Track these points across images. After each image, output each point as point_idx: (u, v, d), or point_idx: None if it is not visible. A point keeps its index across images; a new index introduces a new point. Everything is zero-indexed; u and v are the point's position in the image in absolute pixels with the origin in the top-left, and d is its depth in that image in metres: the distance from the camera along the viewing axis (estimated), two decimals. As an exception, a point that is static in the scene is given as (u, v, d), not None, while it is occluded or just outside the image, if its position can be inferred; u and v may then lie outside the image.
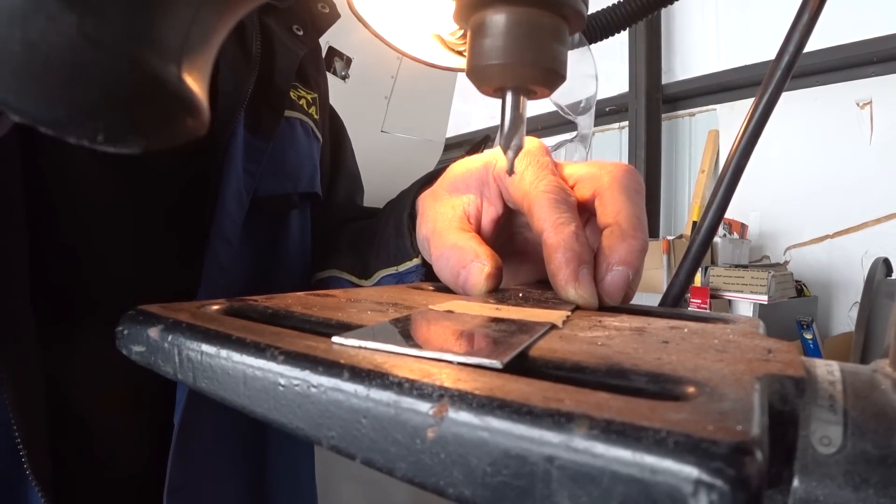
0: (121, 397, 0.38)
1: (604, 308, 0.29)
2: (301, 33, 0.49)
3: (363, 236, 0.45)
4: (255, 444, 0.44)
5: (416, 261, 0.39)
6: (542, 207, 0.31)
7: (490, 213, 0.36)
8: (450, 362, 0.16)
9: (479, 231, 0.36)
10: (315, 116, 0.50)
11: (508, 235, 0.38)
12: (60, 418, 0.34)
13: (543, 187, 0.32)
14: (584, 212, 0.33)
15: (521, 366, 0.17)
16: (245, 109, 0.42)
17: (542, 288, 0.33)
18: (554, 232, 0.30)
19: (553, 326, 0.22)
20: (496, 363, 0.16)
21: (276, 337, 0.18)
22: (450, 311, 0.24)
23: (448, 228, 0.35)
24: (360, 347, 0.17)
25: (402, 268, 0.40)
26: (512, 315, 0.24)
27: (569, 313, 0.25)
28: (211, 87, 0.40)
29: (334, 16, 0.52)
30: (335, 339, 0.18)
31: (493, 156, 0.36)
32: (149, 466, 0.38)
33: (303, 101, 0.49)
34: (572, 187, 0.34)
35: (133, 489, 0.38)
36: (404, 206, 0.40)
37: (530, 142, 0.34)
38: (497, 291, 0.32)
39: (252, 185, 0.42)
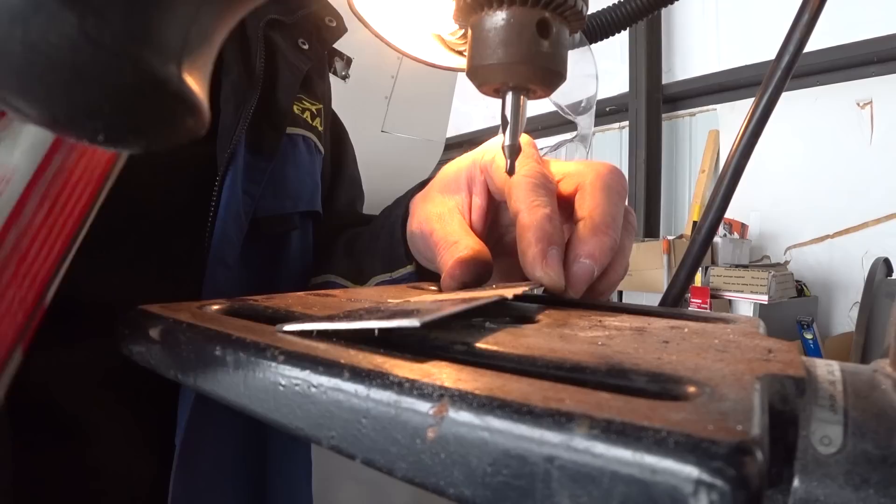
0: (115, 407, 0.37)
1: (604, 307, 0.29)
2: (306, 47, 0.48)
3: (359, 242, 0.45)
4: (256, 462, 0.43)
5: (409, 267, 0.39)
6: (519, 190, 0.32)
7: (478, 207, 0.36)
8: (371, 329, 0.17)
9: (470, 226, 0.36)
10: (318, 128, 0.50)
11: (498, 236, 0.39)
12: (49, 426, 0.34)
13: (524, 172, 0.32)
14: (568, 207, 0.33)
15: (522, 367, 0.17)
16: (246, 129, 0.41)
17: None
18: (528, 213, 0.30)
19: (502, 299, 0.22)
20: (415, 322, 0.17)
21: (275, 337, 0.18)
22: (406, 301, 0.25)
23: (440, 222, 0.35)
24: (299, 332, 0.19)
25: (396, 274, 0.40)
26: (464, 296, 0.24)
27: (525, 288, 0.26)
28: (210, 104, 0.39)
29: (341, 29, 0.52)
30: (278, 326, 0.19)
31: (482, 151, 0.36)
32: (152, 480, 0.37)
33: (306, 114, 0.48)
34: (559, 182, 0.34)
35: (135, 502, 0.38)
36: (398, 212, 0.40)
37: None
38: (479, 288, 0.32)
39: (251, 207, 0.41)
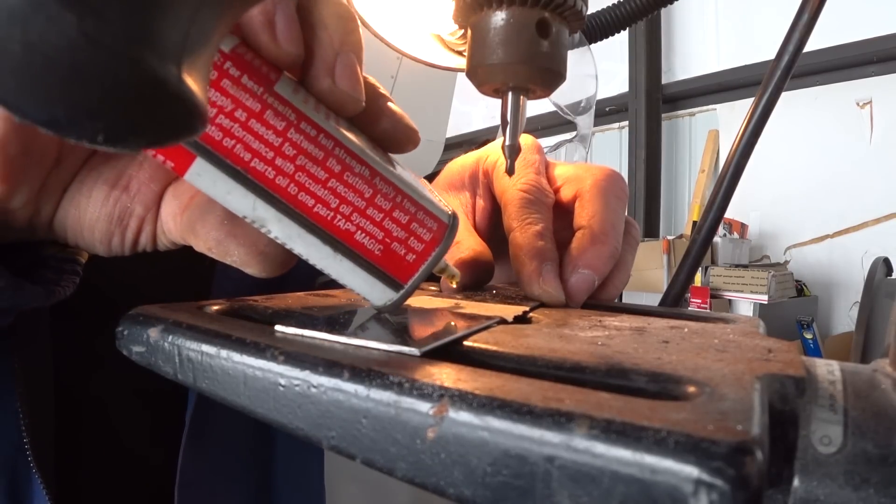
0: (135, 390, 0.38)
1: (604, 307, 0.29)
2: None
3: None
4: (265, 443, 0.44)
5: None
6: (513, 206, 0.32)
7: (482, 208, 0.36)
8: (370, 349, 0.17)
9: (474, 227, 0.36)
10: None
11: (501, 237, 0.39)
12: (74, 411, 0.35)
13: (521, 185, 0.32)
14: (568, 214, 0.33)
15: (522, 367, 0.17)
16: None
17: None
18: (520, 231, 0.31)
19: (502, 321, 0.22)
20: (414, 350, 0.17)
21: (275, 337, 0.18)
22: (406, 305, 0.25)
23: None
24: (299, 335, 0.19)
25: None
26: (467, 310, 0.24)
27: (526, 308, 0.25)
28: None
29: None
30: (277, 327, 0.19)
31: (486, 151, 0.36)
32: (163, 459, 0.38)
33: None
34: (559, 188, 0.34)
35: (146, 481, 0.38)
36: None
37: (524, 139, 0.34)
38: (479, 290, 0.32)
39: None
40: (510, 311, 0.24)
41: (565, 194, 0.33)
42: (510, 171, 0.29)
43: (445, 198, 0.37)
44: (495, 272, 0.33)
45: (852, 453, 0.14)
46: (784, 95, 0.31)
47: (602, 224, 0.30)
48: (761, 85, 0.31)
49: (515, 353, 0.17)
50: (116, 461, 0.37)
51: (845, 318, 2.58)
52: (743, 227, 2.79)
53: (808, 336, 2.35)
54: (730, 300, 2.42)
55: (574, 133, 0.91)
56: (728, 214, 1.92)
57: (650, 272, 2.55)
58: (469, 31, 0.26)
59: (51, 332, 0.33)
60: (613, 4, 0.33)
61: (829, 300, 2.65)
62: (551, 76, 0.26)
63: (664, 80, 3.23)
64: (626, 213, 0.33)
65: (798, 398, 0.15)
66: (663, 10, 0.47)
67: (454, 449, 0.13)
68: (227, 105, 0.19)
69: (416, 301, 0.26)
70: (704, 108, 3.15)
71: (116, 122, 0.10)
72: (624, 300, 0.35)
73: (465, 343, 0.18)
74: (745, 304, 2.38)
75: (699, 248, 0.33)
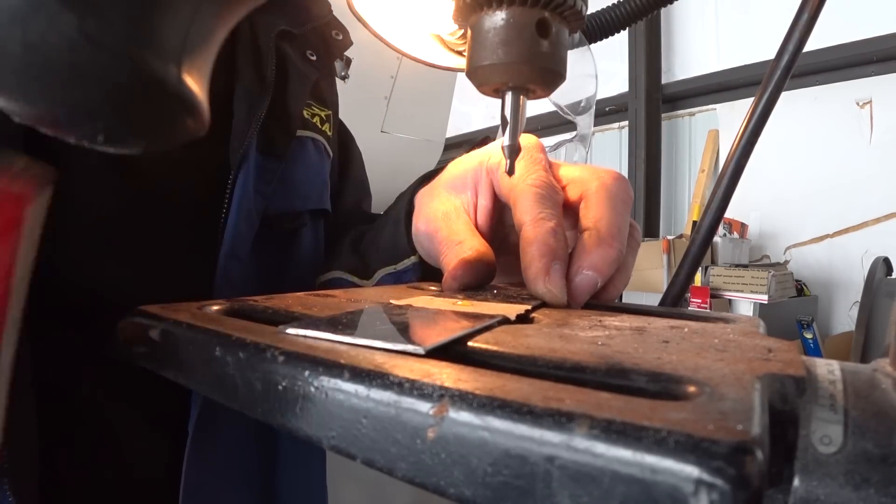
0: (132, 396, 0.38)
1: (604, 308, 0.29)
2: (314, 58, 0.50)
3: (365, 237, 0.46)
4: (269, 449, 0.44)
5: (413, 258, 0.39)
6: (525, 201, 0.31)
7: (484, 208, 0.36)
8: (375, 348, 0.17)
9: (476, 227, 0.36)
10: (328, 133, 0.51)
11: (503, 236, 0.39)
12: (75, 419, 0.35)
13: (531, 181, 0.32)
14: (573, 215, 0.33)
15: (522, 367, 0.17)
16: (258, 132, 0.42)
17: (522, 285, 0.34)
18: (532, 226, 0.30)
19: (505, 319, 0.22)
20: (419, 349, 0.17)
21: (276, 337, 0.18)
22: (408, 306, 0.25)
23: (446, 221, 0.35)
24: (303, 336, 0.18)
25: (400, 266, 0.40)
26: (469, 309, 0.24)
27: (528, 307, 0.25)
28: (224, 109, 0.41)
29: (347, 43, 0.55)
30: (280, 327, 0.19)
31: (489, 151, 0.36)
32: (167, 470, 0.38)
33: (316, 119, 0.50)
34: (564, 188, 0.34)
35: (149, 491, 0.38)
36: (402, 204, 0.41)
37: (527, 138, 0.34)
38: (480, 289, 0.32)
39: (262, 205, 0.43)
40: (511, 310, 0.24)
41: (570, 195, 0.33)
42: (510, 171, 0.29)
43: (447, 198, 0.37)
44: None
45: (852, 453, 0.14)
46: (784, 95, 0.31)
47: (609, 227, 0.30)
48: (761, 85, 0.31)
49: (516, 353, 0.17)
50: (117, 469, 0.37)
51: (845, 318, 2.58)
52: (743, 227, 2.79)
53: (808, 336, 2.35)
54: (730, 300, 2.42)
55: (574, 133, 0.91)
56: (728, 214, 1.91)
57: (650, 272, 2.55)
58: (469, 32, 0.26)
59: (47, 343, 0.32)
60: (613, 4, 0.33)
61: (829, 300, 2.65)
62: (551, 76, 0.26)
63: (664, 80, 3.23)
64: None
65: (798, 398, 0.15)
66: (663, 10, 0.47)
67: (454, 449, 0.13)
68: None
69: (419, 301, 0.26)
70: (704, 107, 3.15)
71: (116, 121, 0.10)
72: (624, 300, 0.35)
73: (466, 343, 0.18)
74: (745, 304, 2.38)
75: (699, 248, 0.33)
